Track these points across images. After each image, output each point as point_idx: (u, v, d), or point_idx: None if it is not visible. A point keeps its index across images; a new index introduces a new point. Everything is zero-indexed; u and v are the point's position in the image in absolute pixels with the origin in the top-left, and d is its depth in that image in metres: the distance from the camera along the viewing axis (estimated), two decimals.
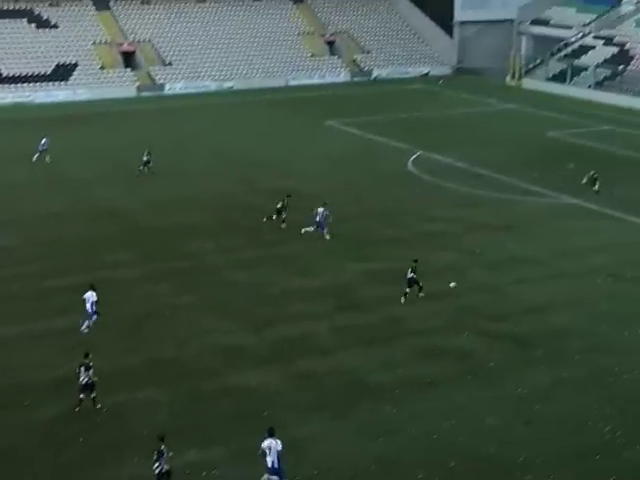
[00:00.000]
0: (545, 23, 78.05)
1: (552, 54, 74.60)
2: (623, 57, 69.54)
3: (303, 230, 36.00)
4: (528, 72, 74.56)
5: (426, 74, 77.41)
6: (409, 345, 27.37)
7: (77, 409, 23.47)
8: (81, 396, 23.50)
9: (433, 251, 34.97)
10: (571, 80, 70.05)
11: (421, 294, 30.48)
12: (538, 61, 74.88)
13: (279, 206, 37.20)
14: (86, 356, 23.72)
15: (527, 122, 59.67)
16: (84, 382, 23.49)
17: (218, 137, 54.96)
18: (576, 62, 71.35)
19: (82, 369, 23.51)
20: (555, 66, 72.75)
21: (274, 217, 37.29)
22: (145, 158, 45.56)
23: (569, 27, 75.96)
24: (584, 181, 41.75)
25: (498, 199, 42.06)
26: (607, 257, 34.67)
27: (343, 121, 58.88)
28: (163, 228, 37.59)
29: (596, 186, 41.73)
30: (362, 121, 58.91)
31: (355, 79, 76.49)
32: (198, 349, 27.05)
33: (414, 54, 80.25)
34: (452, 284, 31.32)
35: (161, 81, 71.17)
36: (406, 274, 30.37)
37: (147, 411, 23.64)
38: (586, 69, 70.17)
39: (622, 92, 65.80)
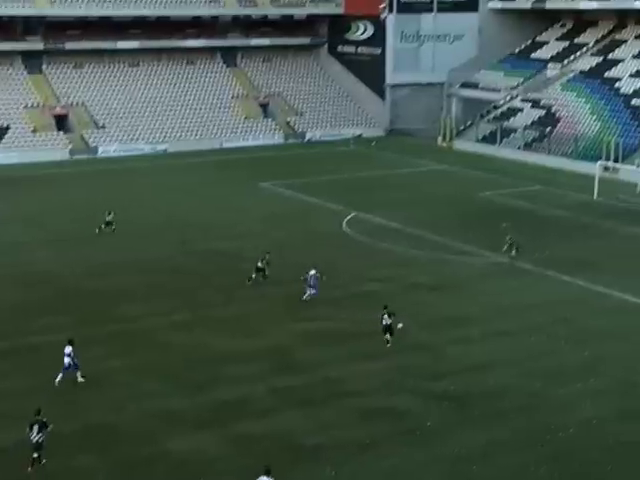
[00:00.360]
0: (474, 86, 79.95)
1: (482, 116, 76.28)
2: (550, 119, 71.50)
3: (304, 297, 36.07)
4: (459, 134, 76.05)
5: (359, 136, 78.43)
6: (347, 406, 27.34)
7: (30, 469, 23.02)
8: (35, 455, 23.14)
9: (369, 311, 35.14)
10: (501, 141, 71.64)
11: (388, 345, 30.85)
12: (468, 123, 76.47)
13: (260, 265, 38.10)
14: (37, 413, 23.37)
15: (459, 183, 60.71)
16: (36, 441, 22.99)
17: (152, 199, 54.81)
18: (505, 124, 73.08)
19: (35, 427, 23.12)
20: (485, 128, 74.36)
21: (253, 276, 37.99)
22: (108, 218, 45.94)
23: (497, 90, 77.90)
24: (504, 249, 41.89)
25: (433, 259, 42.53)
26: (541, 315, 35.19)
27: (277, 182, 59.23)
28: (97, 291, 37.18)
29: (513, 252, 42.06)
30: (296, 183, 59.34)
31: (289, 141, 77.22)
32: (134, 414, 26.66)
33: (347, 116, 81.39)
34: (399, 325, 31.75)
35: (94, 144, 70.90)
36: (381, 321, 30.87)
37: (82, 479, 23.13)
38: (515, 131, 71.90)
39: (550, 153, 67.54)
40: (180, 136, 73.94)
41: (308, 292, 36.32)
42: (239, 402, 27.46)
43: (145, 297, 36.57)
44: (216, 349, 31.36)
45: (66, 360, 28.08)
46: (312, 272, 36.52)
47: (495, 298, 37.30)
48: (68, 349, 28.33)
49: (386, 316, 31.46)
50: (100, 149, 70.47)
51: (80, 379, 28.32)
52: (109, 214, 46.17)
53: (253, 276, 38.11)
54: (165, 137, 73.31)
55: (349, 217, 50.45)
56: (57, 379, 28.00)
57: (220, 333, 32.85)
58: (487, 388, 28.73)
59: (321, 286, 36.32)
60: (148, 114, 74.85)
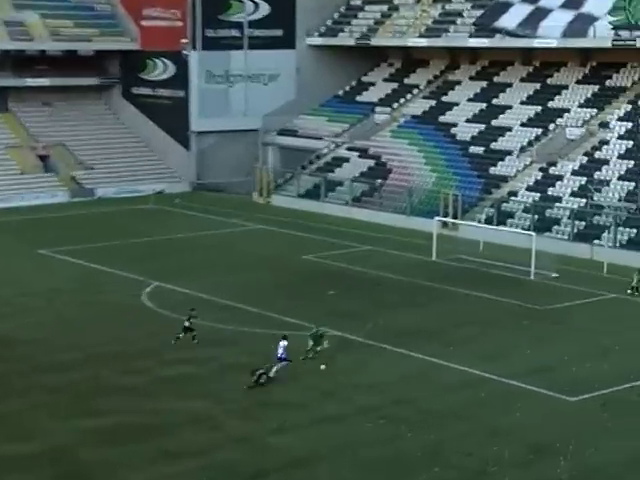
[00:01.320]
0: (294, 133, 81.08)
1: (303, 168, 77.32)
2: (380, 170, 73.22)
3: (271, 373, 36.21)
4: (277, 188, 76.69)
5: (160, 192, 77.82)
6: None
7: None
8: None
9: (176, 400, 34.40)
10: (326, 196, 72.75)
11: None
12: (288, 176, 77.35)
13: (187, 324, 39.90)
14: None
15: (279, 244, 61.05)
16: None
17: None
18: (330, 176, 74.34)
19: None
20: (307, 181, 75.37)
21: (181, 336, 39.80)
22: None
23: (320, 138, 79.29)
24: (308, 347, 39.78)
25: (250, 334, 42.25)
26: (377, 396, 35.43)
27: (60, 249, 57.75)
28: None
29: (320, 347, 39.77)
30: (85, 249, 58.09)
31: (75, 199, 75.63)
32: None
33: (145, 170, 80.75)
34: (322, 366, 34.53)
35: None
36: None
37: None
38: (341, 184, 73.23)
39: (381, 209, 69.01)
40: None
41: (276, 368, 36.46)
42: None
43: None
44: None
45: None
46: (283, 343, 37.06)
47: (325, 377, 37.30)
48: None
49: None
50: None
51: None
52: None
53: (180, 336, 39.95)
54: None
55: (150, 288, 49.73)
56: None
57: None
58: None
59: (116, 370, 35.34)
60: None
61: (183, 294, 48.85)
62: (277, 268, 54.69)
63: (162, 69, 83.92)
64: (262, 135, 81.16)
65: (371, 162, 74.87)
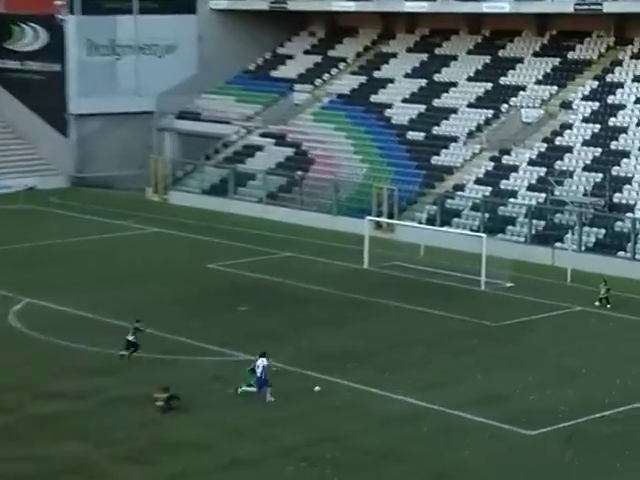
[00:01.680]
0: (196, 117, 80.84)
1: (208, 158, 77.12)
2: (301, 161, 73.32)
3: (239, 390, 37.79)
4: (177, 183, 76.40)
5: (31, 188, 77.11)
6: None
7: None
8: None
9: (52, 443, 34.02)
10: (235, 192, 72.60)
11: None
12: (189, 168, 77.04)
13: (131, 338, 41.35)
14: None
15: (178, 251, 60.77)
16: None
17: None
18: (240, 168, 74.21)
19: None
20: (213, 174, 75.16)
21: (125, 353, 41.38)
22: None
23: (227, 122, 79.13)
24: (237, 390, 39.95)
25: (144, 360, 41.97)
26: (299, 433, 35.37)
27: None
28: None
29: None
30: None
31: None
32: None
33: (12, 161, 79.90)
34: (316, 388, 36.90)
35: None
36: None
37: None
38: (254, 177, 73.17)
39: (302, 207, 69.05)
40: None
41: (263, 390, 37.62)
42: None
43: None
44: None
45: None
46: (261, 361, 37.61)
47: (232, 411, 37.15)
48: None
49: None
50: None
51: None
52: None
53: (124, 353, 41.27)
54: None
55: (19, 306, 49.29)
56: None
57: None
58: None
59: None
60: None
61: (59, 312, 48.43)
62: (176, 280, 54.41)
63: (32, 37, 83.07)
64: (157, 119, 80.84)
65: (289, 151, 74.93)
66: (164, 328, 45.70)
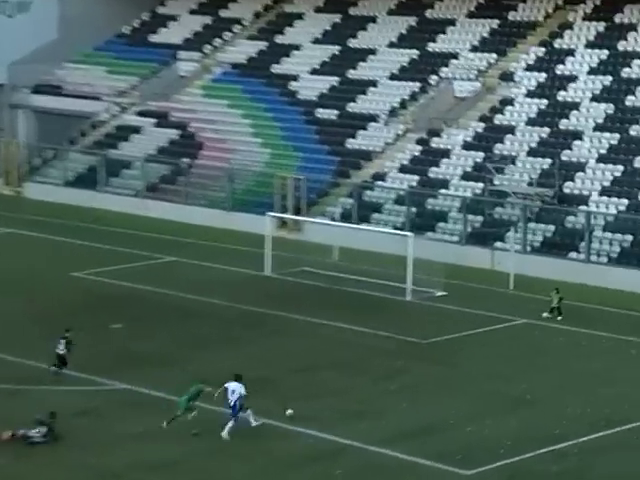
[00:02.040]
0: (56, 90, 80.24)
1: (72, 142, 76.64)
2: (187, 145, 73.15)
3: (253, 423, 37.92)
4: (33, 172, 75.90)
5: None
6: None
7: None
8: None
9: None
10: (106, 183, 72.23)
11: None
12: (49, 154, 76.52)
13: (61, 352, 42.64)
14: None
15: (36, 256, 60.51)
16: None
17: None
18: (112, 154, 73.91)
19: None
20: (78, 162, 74.81)
21: (55, 368, 42.70)
22: None
23: (97, 97, 78.69)
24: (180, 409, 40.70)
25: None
26: (181, 476, 35.19)
27: None
28: None
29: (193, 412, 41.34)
30: None
31: None
32: None
33: None
34: (289, 411, 37.85)
35: None
36: None
37: None
38: (130, 165, 73.00)
39: (189, 201, 68.88)
40: None
41: (253, 418, 38.13)
42: None
43: None
44: None
45: None
46: (233, 386, 37.91)
47: (101, 452, 36.84)
48: None
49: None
50: None
51: None
52: None
53: (56, 369, 42.66)
54: None
55: None
56: None
57: None
58: None
59: None
60: None
61: None
62: (32, 291, 54.14)
63: None
64: (8, 93, 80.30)
65: (173, 133, 74.93)
66: (17, 352, 45.47)
